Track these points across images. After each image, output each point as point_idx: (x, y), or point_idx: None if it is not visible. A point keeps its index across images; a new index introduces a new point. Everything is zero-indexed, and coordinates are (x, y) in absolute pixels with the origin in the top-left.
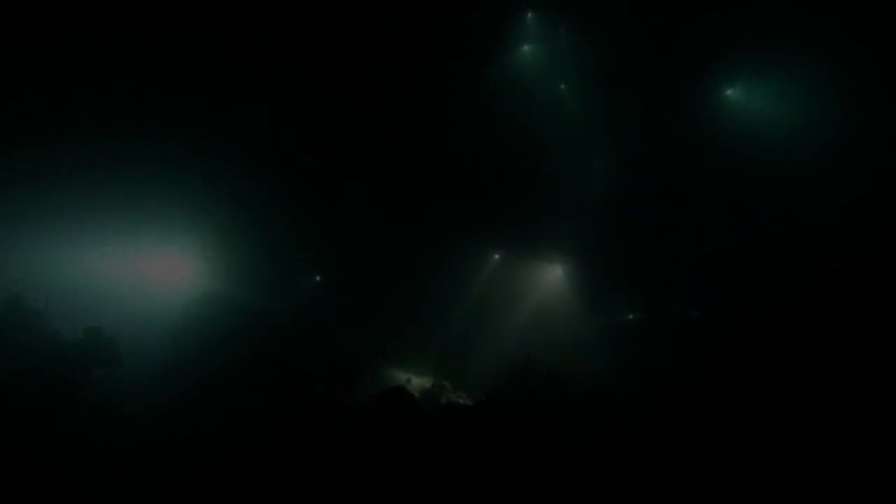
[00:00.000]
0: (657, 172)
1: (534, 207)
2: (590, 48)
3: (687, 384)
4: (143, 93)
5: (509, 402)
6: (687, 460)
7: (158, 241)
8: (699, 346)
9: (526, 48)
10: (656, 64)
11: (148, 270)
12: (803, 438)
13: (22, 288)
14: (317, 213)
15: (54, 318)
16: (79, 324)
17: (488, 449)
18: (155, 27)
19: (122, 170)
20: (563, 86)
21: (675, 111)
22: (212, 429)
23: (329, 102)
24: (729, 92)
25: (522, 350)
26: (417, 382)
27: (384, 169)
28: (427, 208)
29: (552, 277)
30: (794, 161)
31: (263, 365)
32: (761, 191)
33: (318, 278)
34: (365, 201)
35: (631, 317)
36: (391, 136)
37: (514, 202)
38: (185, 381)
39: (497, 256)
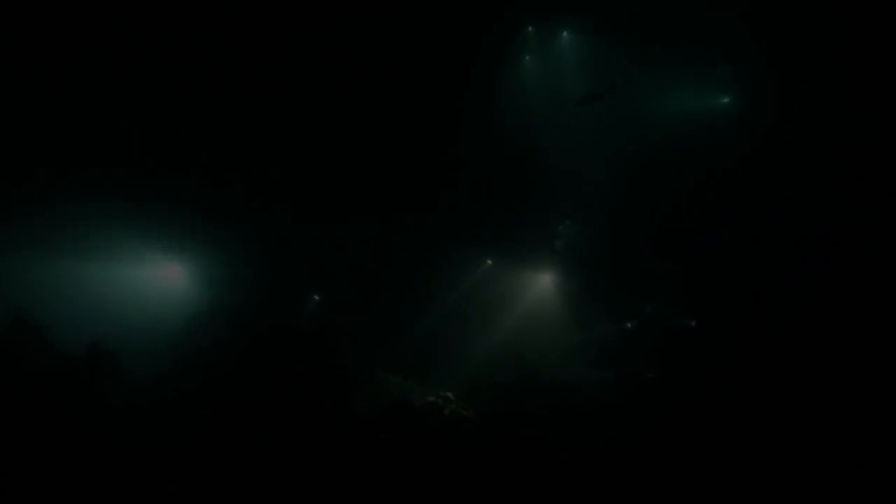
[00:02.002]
0: (652, 177)
1: (528, 213)
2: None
3: (685, 392)
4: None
5: (514, 415)
6: (689, 469)
7: (161, 252)
8: (696, 354)
9: (527, 58)
10: (650, 67)
11: (150, 281)
12: (805, 443)
13: (25, 302)
14: (314, 217)
15: (57, 332)
16: (82, 337)
17: (498, 465)
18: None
19: (126, 182)
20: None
21: (670, 115)
22: (211, 439)
23: (327, 109)
24: (726, 100)
25: (522, 358)
26: (417, 391)
27: (383, 177)
28: (424, 215)
29: (546, 284)
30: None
31: (263, 375)
32: (753, 193)
33: (316, 297)
34: (364, 209)
35: (629, 325)
36: (390, 145)
37: (508, 208)
38: (185, 392)
39: (490, 262)
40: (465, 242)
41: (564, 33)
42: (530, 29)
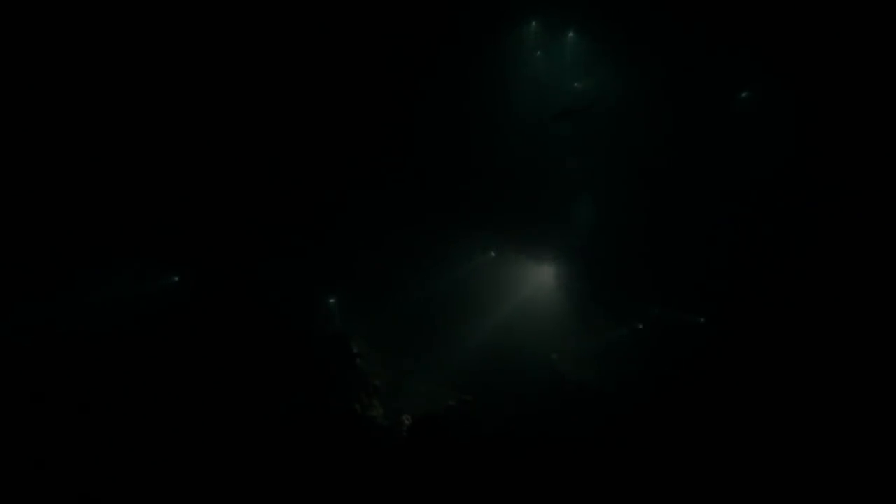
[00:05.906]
0: (658, 175)
1: (535, 207)
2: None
3: (701, 391)
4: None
5: (546, 421)
6: (715, 468)
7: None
8: (709, 353)
9: (538, 53)
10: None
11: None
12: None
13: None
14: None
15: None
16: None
17: (531, 472)
18: None
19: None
20: (576, 84)
21: (673, 115)
22: (229, 444)
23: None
24: (744, 95)
25: (546, 361)
26: (435, 393)
27: (392, 172)
28: (432, 208)
29: (555, 282)
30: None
31: (283, 379)
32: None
33: (332, 300)
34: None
35: (641, 325)
36: (400, 137)
37: (515, 200)
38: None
39: (493, 254)
40: (470, 235)
41: (570, 33)
42: (534, 24)
